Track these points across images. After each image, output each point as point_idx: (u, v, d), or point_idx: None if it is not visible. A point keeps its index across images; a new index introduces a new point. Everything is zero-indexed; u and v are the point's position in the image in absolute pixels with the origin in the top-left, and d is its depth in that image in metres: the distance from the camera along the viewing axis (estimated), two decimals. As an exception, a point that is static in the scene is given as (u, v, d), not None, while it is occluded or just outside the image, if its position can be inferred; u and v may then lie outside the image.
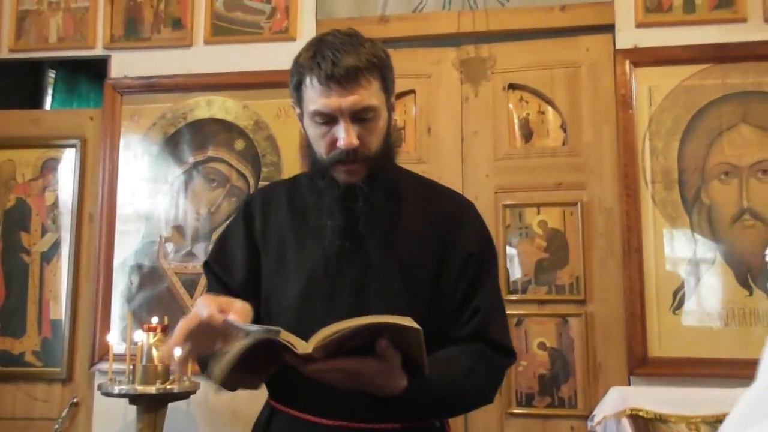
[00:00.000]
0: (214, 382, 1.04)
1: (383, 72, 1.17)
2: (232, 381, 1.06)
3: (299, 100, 1.20)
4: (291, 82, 1.21)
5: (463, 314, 1.21)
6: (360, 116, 1.14)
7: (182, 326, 1.03)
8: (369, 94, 1.14)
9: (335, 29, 1.20)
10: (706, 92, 2.55)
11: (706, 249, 2.50)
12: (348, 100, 1.12)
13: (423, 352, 1.03)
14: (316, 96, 1.14)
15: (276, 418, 1.22)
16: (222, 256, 1.31)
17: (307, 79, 1.15)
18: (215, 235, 2.78)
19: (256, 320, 1.10)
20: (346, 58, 1.12)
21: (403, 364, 1.05)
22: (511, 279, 2.63)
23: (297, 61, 1.19)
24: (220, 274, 1.29)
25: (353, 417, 1.15)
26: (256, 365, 1.07)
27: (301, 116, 1.23)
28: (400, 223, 1.23)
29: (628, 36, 2.63)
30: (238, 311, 1.05)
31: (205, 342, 1.04)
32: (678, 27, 2.60)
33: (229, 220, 1.47)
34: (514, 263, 2.64)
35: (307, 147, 1.23)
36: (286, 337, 0.98)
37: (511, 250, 2.65)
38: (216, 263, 1.31)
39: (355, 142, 1.14)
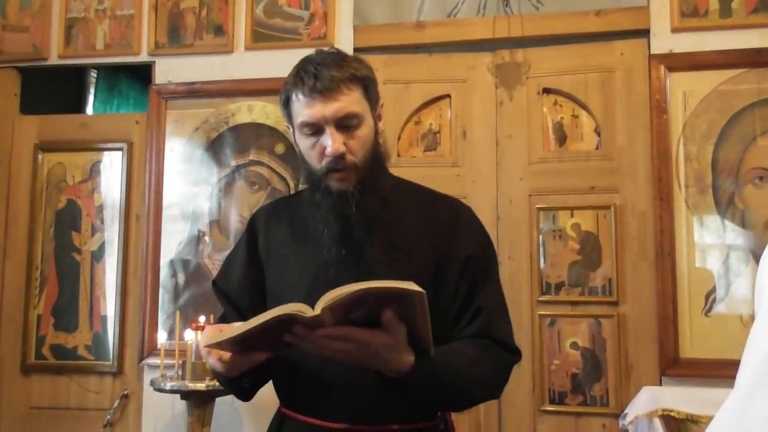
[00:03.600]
0: (204, 344, 1.07)
1: (365, 83, 1.24)
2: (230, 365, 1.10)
3: (289, 117, 1.27)
4: (281, 101, 1.27)
5: (465, 315, 1.24)
6: (344, 123, 1.20)
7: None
8: (350, 102, 1.20)
9: (320, 49, 1.29)
10: (742, 97, 2.57)
11: (738, 252, 2.53)
12: (331, 108, 1.19)
13: (427, 320, 1.06)
14: (301, 108, 1.21)
15: (286, 424, 1.28)
16: (228, 274, 1.38)
17: (293, 95, 1.22)
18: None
19: None
20: (326, 71, 1.19)
21: (408, 342, 1.09)
22: (545, 281, 2.70)
23: (285, 82, 1.27)
24: (227, 292, 1.36)
25: (358, 419, 1.20)
26: (262, 344, 1.10)
27: (293, 133, 1.30)
28: (397, 230, 1.27)
29: (664, 41, 2.66)
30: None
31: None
32: (714, 32, 2.61)
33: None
34: (547, 265, 2.71)
35: (302, 161, 1.29)
36: (294, 308, 1.02)
37: (544, 253, 2.71)
38: (222, 281, 1.38)
39: (342, 148, 1.20)
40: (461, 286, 1.25)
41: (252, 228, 1.38)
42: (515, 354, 1.28)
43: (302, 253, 1.29)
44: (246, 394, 1.30)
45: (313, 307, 1.01)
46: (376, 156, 1.27)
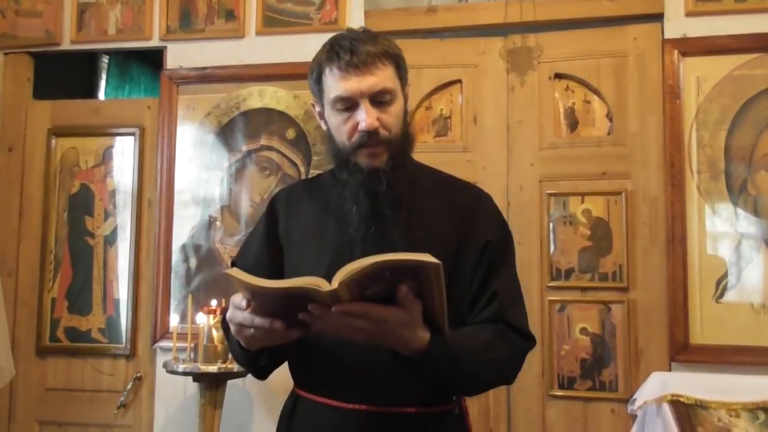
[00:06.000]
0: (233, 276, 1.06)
1: (397, 61, 1.25)
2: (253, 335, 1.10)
3: (320, 93, 1.26)
4: (311, 77, 1.27)
5: (481, 299, 1.24)
6: (378, 99, 1.21)
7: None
8: (385, 77, 1.21)
9: (350, 27, 1.30)
10: (756, 82, 2.55)
11: (750, 239, 2.52)
12: (367, 82, 1.19)
13: (443, 295, 1.05)
14: (335, 83, 1.21)
15: (300, 405, 1.29)
16: (246, 254, 1.38)
17: (327, 70, 1.23)
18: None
19: None
20: (362, 46, 1.20)
21: (424, 320, 1.09)
22: (555, 266, 2.70)
23: (315, 58, 1.27)
24: (245, 271, 1.35)
25: (373, 400, 1.20)
26: (276, 313, 1.09)
27: (321, 113, 1.30)
28: (419, 212, 1.27)
29: (677, 25, 2.63)
30: None
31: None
32: (729, 16, 2.58)
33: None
34: (557, 251, 2.70)
35: (329, 139, 1.29)
36: (311, 281, 1.01)
37: (554, 239, 2.71)
38: (240, 261, 1.37)
39: (375, 123, 1.20)
40: (479, 270, 1.25)
41: (272, 210, 1.38)
42: (530, 340, 1.28)
43: (323, 233, 1.29)
44: (263, 372, 1.31)
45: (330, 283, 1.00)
46: (405, 135, 1.27)
